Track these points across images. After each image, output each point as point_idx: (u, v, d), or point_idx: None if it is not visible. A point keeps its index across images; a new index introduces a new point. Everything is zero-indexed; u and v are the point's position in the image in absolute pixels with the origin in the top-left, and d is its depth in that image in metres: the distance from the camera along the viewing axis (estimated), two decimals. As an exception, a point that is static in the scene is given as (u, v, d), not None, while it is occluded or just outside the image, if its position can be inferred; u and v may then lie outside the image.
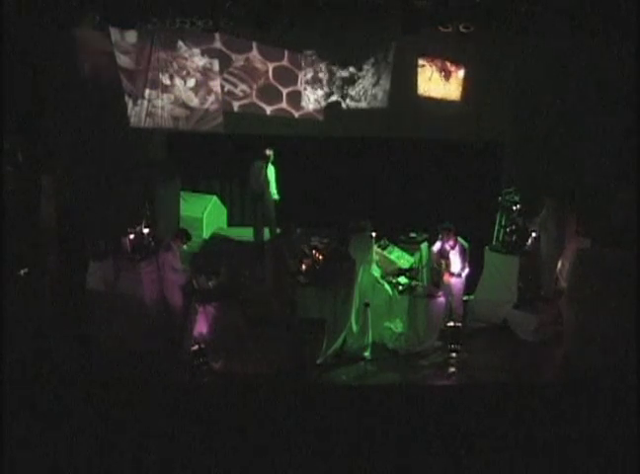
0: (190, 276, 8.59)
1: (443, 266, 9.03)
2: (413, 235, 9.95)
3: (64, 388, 7.46)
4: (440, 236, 9.12)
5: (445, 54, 11.05)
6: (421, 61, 11.11)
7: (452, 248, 8.98)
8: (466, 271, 9.07)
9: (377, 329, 8.71)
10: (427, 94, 11.16)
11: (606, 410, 7.30)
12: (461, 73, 11.32)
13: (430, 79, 11.21)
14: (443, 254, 9.03)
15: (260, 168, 10.36)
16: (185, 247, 8.76)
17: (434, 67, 11.27)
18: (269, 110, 11.53)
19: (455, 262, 9.01)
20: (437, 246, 9.13)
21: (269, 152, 10.32)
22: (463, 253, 9.03)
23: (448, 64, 11.28)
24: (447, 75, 11.37)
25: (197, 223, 10.51)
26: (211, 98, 11.48)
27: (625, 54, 10.22)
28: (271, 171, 10.50)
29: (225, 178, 11.57)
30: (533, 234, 9.63)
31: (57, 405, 7.17)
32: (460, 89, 11.30)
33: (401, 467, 6.73)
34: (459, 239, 9.19)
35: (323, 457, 6.77)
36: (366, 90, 11.59)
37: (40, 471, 6.55)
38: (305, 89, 11.52)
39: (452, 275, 8.97)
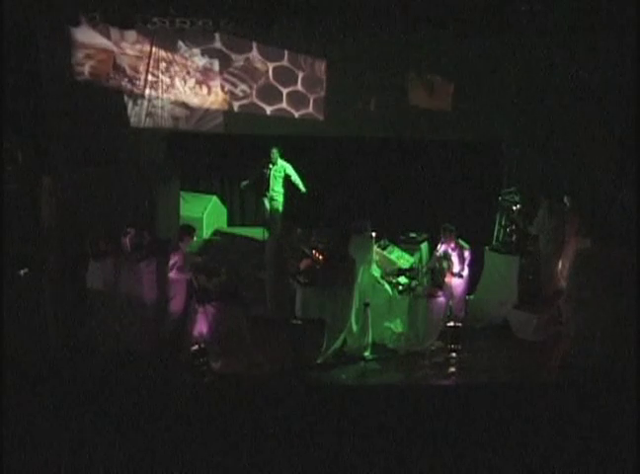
0: (190, 275, 8.58)
1: (445, 266, 9.03)
2: (413, 235, 9.96)
3: (63, 388, 7.46)
4: (442, 237, 9.13)
5: (444, 54, 11.08)
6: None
7: (453, 250, 9.00)
8: (465, 272, 9.08)
9: (377, 329, 8.70)
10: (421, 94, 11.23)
11: (607, 410, 7.30)
12: (458, 74, 11.35)
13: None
14: (446, 255, 9.04)
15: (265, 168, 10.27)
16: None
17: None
18: (269, 110, 11.55)
19: (456, 263, 9.01)
20: (440, 247, 9.14)
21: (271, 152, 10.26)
22: (462, 255, 9.04)
23: (443, 65, 11.31)
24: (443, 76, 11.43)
25: (197, 223, 10.48)
26: (211, 98, 11.51)
27: (625, 54, 10.24)
28: (282, 169, 10.38)
29: (225, 178, 11.56)
30: (533, 234, 9.63)
31: (56, 405, 7.17)
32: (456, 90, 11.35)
33: (401, 467, 6.73)
34: (460, 241, 9.21)
35: (323, 457, 6.77)
36: (367, 90, 11.59)
37: (39, 471, 6.55)
38: (305, 89, 11.54)
39: (454, 275, 8.98)
